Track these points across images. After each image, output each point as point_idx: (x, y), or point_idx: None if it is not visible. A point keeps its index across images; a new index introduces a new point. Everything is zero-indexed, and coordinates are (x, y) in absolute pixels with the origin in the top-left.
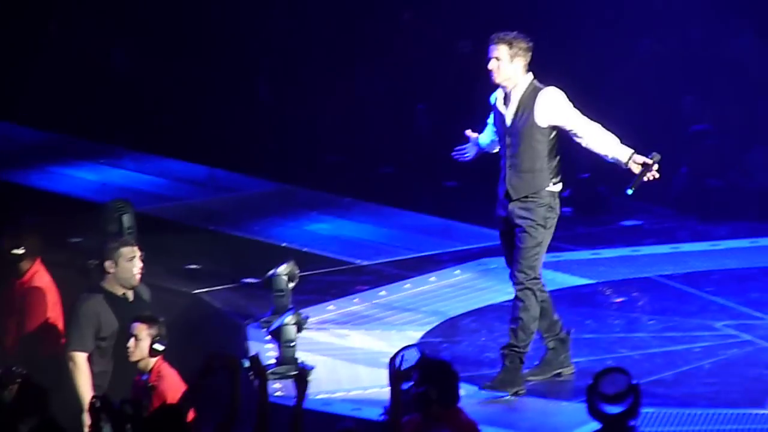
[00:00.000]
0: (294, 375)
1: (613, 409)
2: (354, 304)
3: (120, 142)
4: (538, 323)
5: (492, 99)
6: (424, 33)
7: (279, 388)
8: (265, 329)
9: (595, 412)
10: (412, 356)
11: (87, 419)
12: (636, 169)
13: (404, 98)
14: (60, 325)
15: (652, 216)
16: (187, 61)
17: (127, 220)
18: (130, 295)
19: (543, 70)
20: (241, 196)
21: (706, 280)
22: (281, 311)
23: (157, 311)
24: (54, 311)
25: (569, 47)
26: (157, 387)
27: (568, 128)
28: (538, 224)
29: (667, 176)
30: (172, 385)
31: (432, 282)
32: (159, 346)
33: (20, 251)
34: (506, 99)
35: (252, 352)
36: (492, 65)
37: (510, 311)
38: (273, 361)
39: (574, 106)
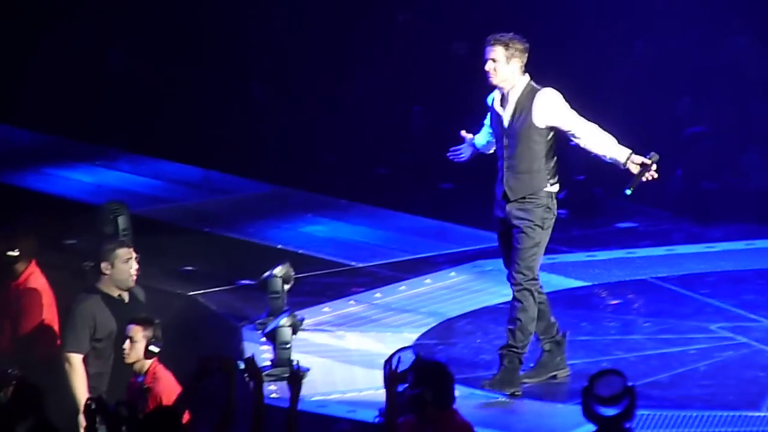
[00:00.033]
0: (287, 377)
1: (609, 411)
2: (349, 306)
3: (115, 143)
4: (535, 325)
5: (489, 100)
6: (420, 35)
7: (274, 390)
8: (260, 331)
9: (590, 414)
10: (408, 358)
11: (82, 421)
12: (634, 169)
13: (400, 100)
14: (55, 326)
15: (648, 218)
16: (182, 62)
17: (122, 221)
18: (126, 296)
19: (539, 72)
20: (236, 197)
21: (701, 283)
22: (276, 313)
23: (152, 313)
24: (49, 313)
25: (565, 49)
26: (152, 389)
27: (565, 129)
28: (535, 225)
29: (662, 178)
30: (168, 387)
31: (427, 284)
32: (154, 348)
33: (15, 253)
34: (503, 100)
35: (247, 354)
36: (489, 67)
37: (508, 312)
38: (268, 363)
39: (571, 107)
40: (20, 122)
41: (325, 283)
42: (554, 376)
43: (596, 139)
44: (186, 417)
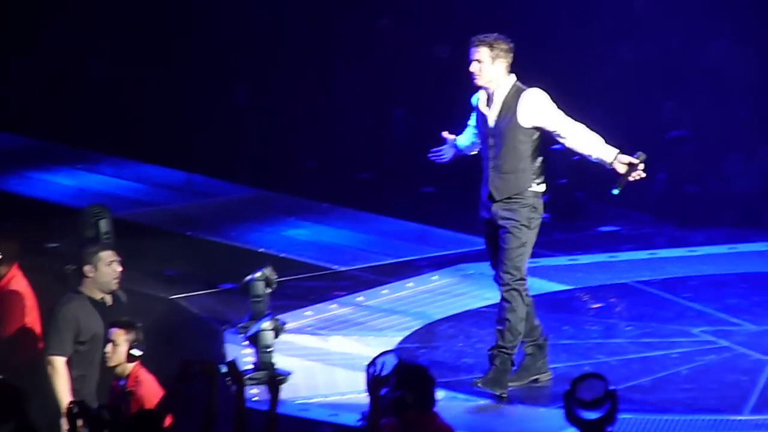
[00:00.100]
0: (266, 380)
1: (591, 415)
2: (331, 310)
3: (97, 147)
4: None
5: (474, 100)
6: (402, 38)
7: (256, 394)
8: (242, 335)
9: (572, 418)
10: (390, 362)
11: (65, 424)
12: (621, 169)
13: (382, 104)
14: (37, 329)
15: (630, 222)
16: (164, 66)
17: (104, 225)
18: (109, 299)
19: (519, 75)
20: (218, 201)
21: (683, 286)
22: (258, 317)
23: (134, 316)
24: (31, 316)
25: (544, 53)
26: (134, 392)
27: (551, 129)
28: (522, 225)
29: (644, 182)
30: (150, 391)
31: (409, 287)
32: (136, 352)
33: None
34: (489, 100)
35: (229, 358)
36: (474, 68)
37: (497, 313)
38: (250, 366)
39: (557, 107)
40: (2, 126)
41: (307, 286)
42: (536, 380)
43: (582, 139)
44: (168, 420)
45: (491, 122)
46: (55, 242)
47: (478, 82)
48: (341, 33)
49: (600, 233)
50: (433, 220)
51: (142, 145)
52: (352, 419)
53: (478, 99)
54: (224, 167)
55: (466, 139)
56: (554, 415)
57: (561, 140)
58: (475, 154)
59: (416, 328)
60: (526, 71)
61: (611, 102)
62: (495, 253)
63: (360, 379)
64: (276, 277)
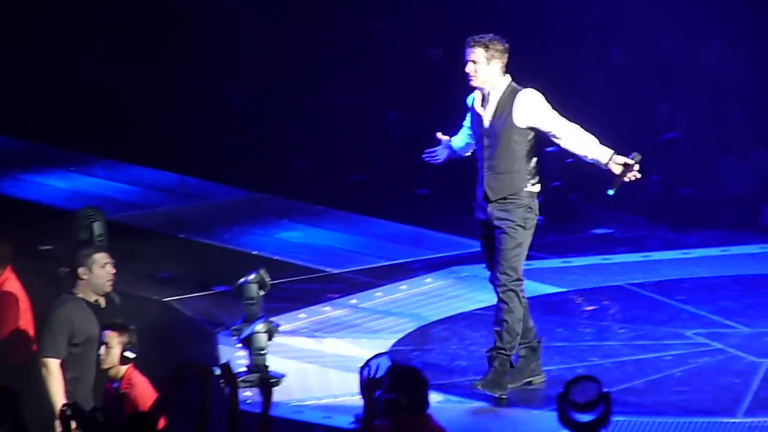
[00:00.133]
0: (259, 382)
1: (584, 418)
2: (325, 312)
3: (91, 150)
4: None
5: (469, 101)
6: (395, 41)
7: (250, 396)
8: (235, 337)
9: (565, 421)
10: (383, 364)
11: (58, 427)
12: (617, 169)
13: (375, 106)
14: (31, 332)
15: (623, 224)
16: (158, 69)
17: (97, 227)
18: (102, 301)
19: (513, 76)
20: (211, 203)
21: (677, 289)
22: (252, 319)
23: (127, 319)
24: (25, 318)
25: (538, 56)
26: (128, 394)
27: (546, 130)
28: (517, 225)
29: (638, 184)
30: (143, 393)
31: (403, 290)
32: (130, 354)
33: None
34: (484, 101)
35: (223, 360)
36: (469, 68)
37: (494, 314)
38: (244, 369)
39: (552, 108)
40: None
41: (300, 289)
42: (529, 382)
43: (578, 140)
44: (161, 423)
45: (486, 123)
46: (48, 245)
47: (474, 82)
48: (335, 35)
49: (593, 236)
50: (426, 223)
51: (136, 147)
52: (345, 422)
53: (474, 99)
54: (217, 169)
55: (460, 140)
56: (548, 417)
57: (556, 141)
58: (469, 156)
59: (410, 330)
60: (518, 72)
61: (605, 104)
62: (490, 254)
63: (353, 382)
64: (269, 279)
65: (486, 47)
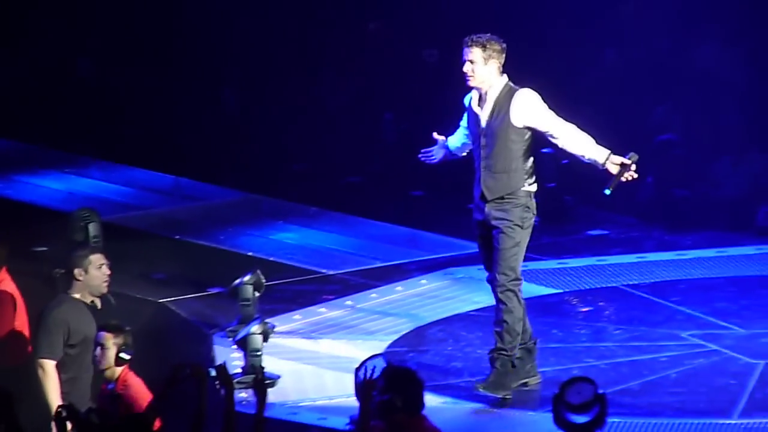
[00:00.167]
0: (253, 383)
1: (580, 419)
2: (320, 314)
3: (86, 151)
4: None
5: (466, 101)
6: (390, 42)
7: (245, 398)
8: (231, 338)
9: (561, 422)
10: (379, 365)
11: (54, 428)
12: (614, 169)
13: (371, 107)
14: (26, 333)
15: (619, 226)
16: (153, 70)
17: (93, 229)
18: (98, 302)
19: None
20: (207, 205)
21: (672, 290)
22: (247, 320)
23: (123, 320)
24: (20, 320)
25: (533, 57)
26: (123, 396)
27: (543, 129)
28: (515, 224)
29: (633, 186)
30: (139, 394)
31: (398, 291)
32: (125, 355)
33: None
34: (481, 100)
35: (218, 362)
36: (467, 68)
37: (494, 315)
38: (239, 370)
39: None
40: None
41: (296, 290)
42: (525, 384)
43: (574, 140)
44: (157, 424)
45: (483, 122)
46: (43, 246)
47: (471, 82)
48: (330, 36)
49: (589, 237)
50: (422, 224)
51: (131, 148)
52: (340, 423)
53: (471, 99)
54: (212, 171)
55: (456, 140)
56: (543, 418)
57: (553, 140)
58: (464, 157)
59: (405, 331)
60: (513, 72)
61: (599, 105)
62: (488, 254)
63: (349, 383)
64: (264, 280)
65: (484, 47)
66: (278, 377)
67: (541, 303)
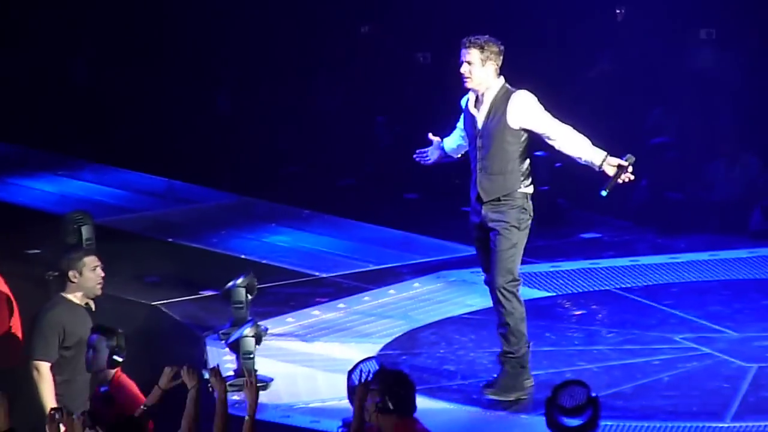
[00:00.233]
0: (245, 386)
1: (572, 422)
2: (313, 317)
3: (79, 153)
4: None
5: (463, 102)
6: (383, 45)
7: (238, 400)
8: (224, 341)
9: (554, 425)
10: (371, 368)
11: (48, 430)
12: (610, 171)
13: (363, 110)
14: (19, 335)
15: (612, 229)
16: (146, 73)
17: (86, 231)
18: (92, 305)
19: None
20: (200, 207)
21: (665, 293)
22: (240, 323)
23: (115, 323)
24: (12, 322)
25: (528, 60)
26: (115, 398)
27: (540, 131)
28: (512, 226)
29: (626, 189)
30: (131, 397)
31: (391, 294)
32: (118, 358)
33: None
34: (478, 102)
35: (211, 364)
36: (464, 69)
37: (496, 318)
38: (231, 373)
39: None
40: None
41: (288, 293)
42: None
43: (571, 141)
44: (149, 427)
45: (480, 124)
46: (36, 249)
47: (468, 84)
48: (323, 40)
49: (582, 240)
50: (415, 227)
51: (124, 151)
52: (333, 426)
53: (467, 101)
54: (206, 173)
55: (452, 141)
56: (536, 422)
57: (550, 142)
58: (458, 161)
59: (398, 334)
60: (507, 75)
61: (593, 108)
62: (486, 256)
63: (341, 386)
64: (257, 283)
65: (482, 48)
66: (271, 380)
67: (534, 306)
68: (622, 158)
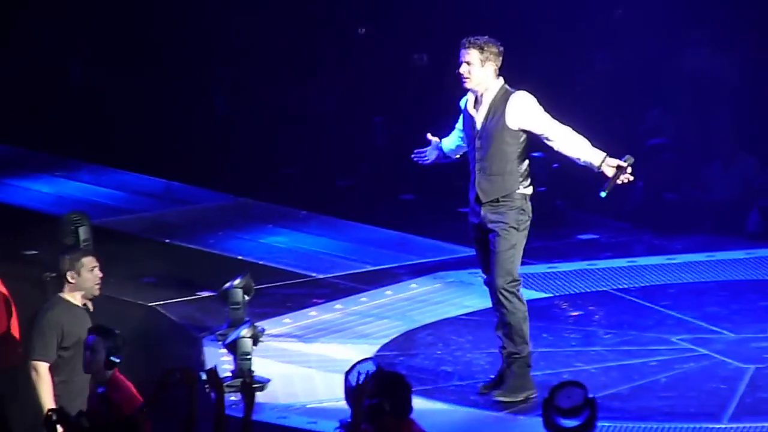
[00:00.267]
0: (241, 387)
1: (570, 423)
2: (310, 317)
3: (76, 154)
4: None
5: (462, 103)
6: (380, 46)
7: (235, 401)
8: (221, 342)
9: (551, 426)
10: (369, 369)
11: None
12: (609, 172)
13: (361, 111)
14: (17, 336)
15: (609, 230)
16: (143, 73)
17: (83, 232)
18: (90, 305)
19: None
20: (197, 208)
21: (662, 294)
22: (237, 324)
23: (113, 323)
24: (10, 322)
25: (524, 61)
26: (113, 399)
27: (538, 132)
28: (510, 227)
29: (623, 190)
30: (129, 398)
31: (388, 295)
32: (115, 359)
33: None
34: (477, 103)
35: (208, 365)
36: (463, 69)
37: (498, 320)
38: (229, 374)
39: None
40: None
41: (285, 294)
42: None
43: (570, 142)
44: (147, 428)
45: (478, 124)
46: (33, 250)
47: (467, 84)
48: (320, 40)
49: (579, 241)
50: (412, 228)
51: (121, 152)
52: (330, 427)
53: (467, 101)
54: (203, 174)
55: (451, 142)
56: (533, 423)
57: (549, 143)
58: (456, 162)
59: (395, 335)
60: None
61: (589, 109)
62: (485, 257)
63: (339, 387)
64: (254, 284)
65: (481, 49)
66: (268, 381)
67: (531, 307)
68: (620, 159)
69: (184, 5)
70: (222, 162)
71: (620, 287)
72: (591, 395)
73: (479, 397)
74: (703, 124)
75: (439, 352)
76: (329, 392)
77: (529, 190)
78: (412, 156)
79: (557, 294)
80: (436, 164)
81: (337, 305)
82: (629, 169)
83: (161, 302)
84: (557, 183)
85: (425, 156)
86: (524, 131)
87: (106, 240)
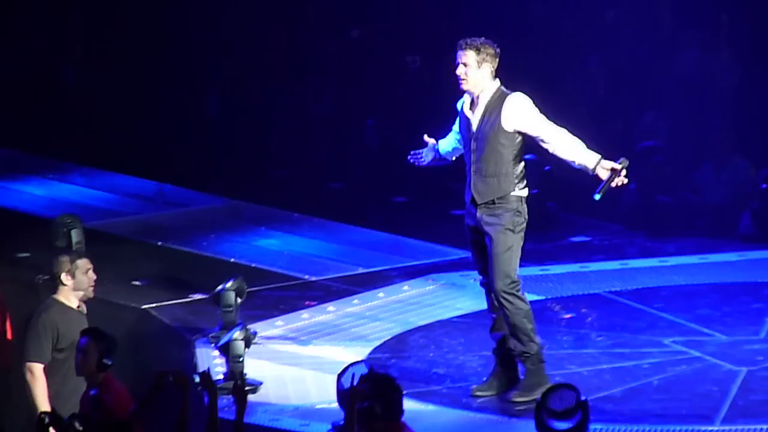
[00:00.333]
0: (233, 389)
1: (562, 426)
2: (302, 320)
3: (69, 157)
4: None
5: (458, 105)
6: (373, 49)
7: (228, 404)
8: (213, 344)
9: (543, 428)
10: (360, 372)
11: None
12: (604, 174)
13: (353, 114)
14: (10, 338)
15: (601, 232)
16: (136, 76)
17: (75, 235)
18: (84, 307)
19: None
20: (189, 211)
21: (655, 297)
22: (229, 327)
23: (105, 326)
24: (3, 325)
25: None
26: (105, 402)
27: (534, 134)
28: (507, 229)
29: (616, 192)
30: (121, 401)
31: (380, 298)
32: (107, 361)
33: None
34: (473, 104)
35: (201, 368)
36: (460, 71)
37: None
38: (221, 376)
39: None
40: None
41: (278, 296)
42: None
43: (565, 145)
44: (139, 431)
45: (474, 126)
46: (26, 252)
47: (464, 86)
48: (313, 43)
49: (571, 243)
50: (404, 230)
51: (113, 154)
52: (322, 429)
53: (463, 103)
54: (195, 177)
55: (447, 144)
56: (525, 425)
57: (544, 145)
58: (454, 162)
59: (387, 338)
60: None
61: (583, 112)
62: (482, 259)
63: (331, 389)
64: (246, 287)
65: (478, 50)
66: (260, 383)
67: None
68: (615, 162)
69: (177, 8)
70: (214, 164)
71: (613, 289)
72: (583, 397)
73: (471, 400)
74: (695, 127)
75: (431, 355)
76: (322, 394)
77: (525, 192)
78: (409, 157)
79: (550, 296)
80: (432, 166)
81: (330, 307)
82: (624, 172)
83: (153, 305)
84: (549, 185)
85: (421, 157)
86: (520, 133)
87: (98, 242)
